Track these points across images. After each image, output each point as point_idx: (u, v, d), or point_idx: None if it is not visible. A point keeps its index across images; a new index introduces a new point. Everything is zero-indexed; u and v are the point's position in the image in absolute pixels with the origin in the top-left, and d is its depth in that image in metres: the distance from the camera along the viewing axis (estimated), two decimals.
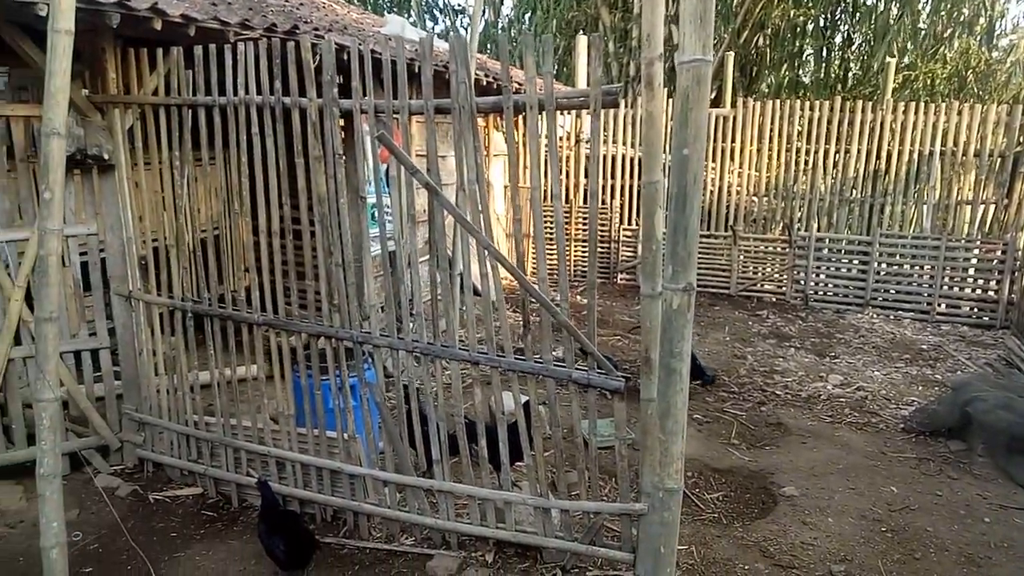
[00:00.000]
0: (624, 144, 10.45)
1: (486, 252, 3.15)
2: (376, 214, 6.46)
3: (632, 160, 10.32)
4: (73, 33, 3.03)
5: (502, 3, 21.20)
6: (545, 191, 9.31)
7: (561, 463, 3.49)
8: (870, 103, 9.26)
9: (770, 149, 9.83)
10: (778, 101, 9.77)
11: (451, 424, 3.77)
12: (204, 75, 3.84)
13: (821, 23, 13.68)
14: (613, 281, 10.47)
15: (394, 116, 3.27)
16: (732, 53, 12.15)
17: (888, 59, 10.42)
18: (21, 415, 4.41)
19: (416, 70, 3.40)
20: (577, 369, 3.22)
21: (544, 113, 2.83)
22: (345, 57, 4.39)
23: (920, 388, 6.61)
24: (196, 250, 4.24)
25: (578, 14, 16.41)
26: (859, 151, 9.31)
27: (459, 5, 25.09)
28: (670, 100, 8.64)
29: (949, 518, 4.28)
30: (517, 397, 3.45)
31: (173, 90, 3.98)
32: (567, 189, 10.48)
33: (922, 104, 9.01)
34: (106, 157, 4.19)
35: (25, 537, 3.95)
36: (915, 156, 9.10)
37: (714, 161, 9.95)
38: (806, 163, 9.70)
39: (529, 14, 19.64)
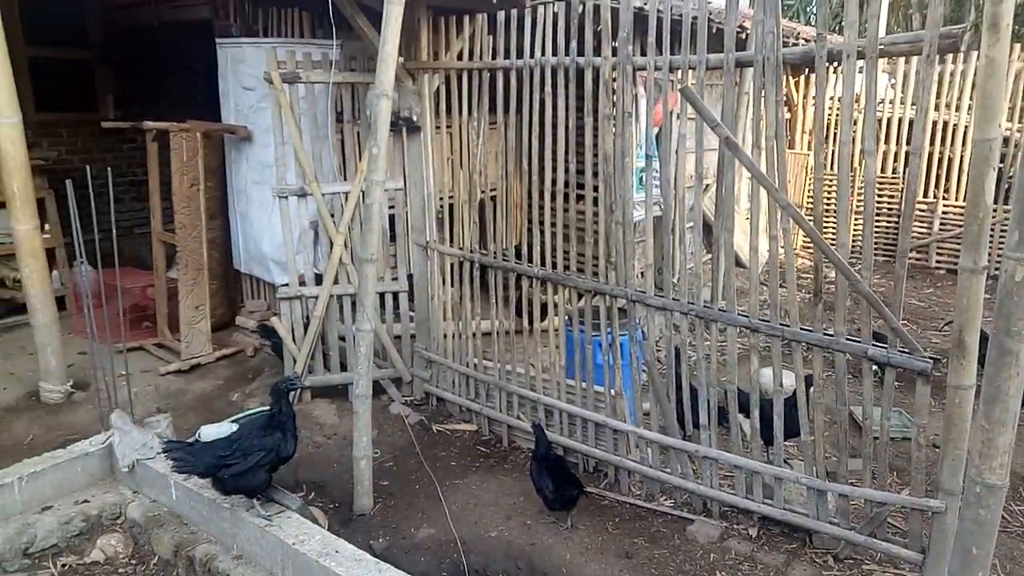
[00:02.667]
0: (913, 106, 9.20)
1: (779, 213, 2.99)
2: (644, 178, 6.46)
3: (936, 124, 9.07)
4: (403, 2, 3.38)
5: None
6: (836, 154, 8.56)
7: (845, 445, 3.25)
8: None
9: None
10: None
11: (722, 392, 3.68)
12: (504, 39, 4.08)
13: None
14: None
15: (690, 71, 3.21)
16: None
17: None
18: (336, 345, 5.14)
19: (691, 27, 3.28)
20: (875, 346, 2.95)
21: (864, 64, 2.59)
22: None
23: None
24: (484, 207, 4.58)
25: None
26: None
27: None
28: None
29: None
30: (799, 370, 3.27)
31: (476, 55, 4.29)
32: (853, 156, 9.53)
33: None
34: (415, 119, 4.65)
35: (338, 447, 4.62)
36: None
37: (1020, 122, 8.39)
38: None
39: None
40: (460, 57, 4.46)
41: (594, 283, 3.95)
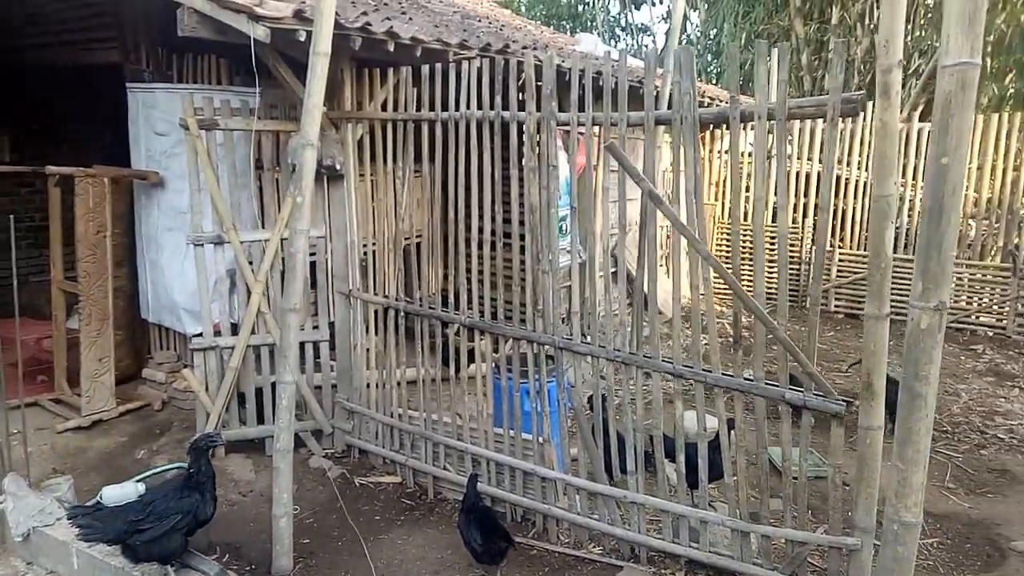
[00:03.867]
0: (812, 160, 9.86)
1: (700, 263, 3.12)
2: (565, 226, 6.61)
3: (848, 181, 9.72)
4: (329, 55, 3.39)
5: (686, 19, 20.91)
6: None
7: (766, 487, 3.36)
8: None
9: (993, 166, 8.88)
10: (1005, 115, 8.82)
11: (647, 437, 3.75)
12: (430, 92, 4.13)
13: None
14: (802, 305, 9.90)
15: (612, 126, 3.34)
16: None
17: None
18: (253, 396, 4.95)
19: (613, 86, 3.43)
20: (792, 389, 3.09)
21: (773, 124, 2.77)
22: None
23: None
24: (408, 255, 4.57)
25: (769, 27, 15.77)
26: None
27: (641, 24, 25.04)
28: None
29: None
30: (721, 414, 3.37)
31: (400, 106, 4.32)
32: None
33: None
34: (338, 168, 4.61)
35: (254, 505, 4.42)
36: None
37: (923, 180, 9.13)
38: None
39: (715, 30, 19.22)
40: (384, 108, 4.48)
41: (522, 330, 3.98)
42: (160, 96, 5.29)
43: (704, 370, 3.32)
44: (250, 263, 4.83)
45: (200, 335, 4.91)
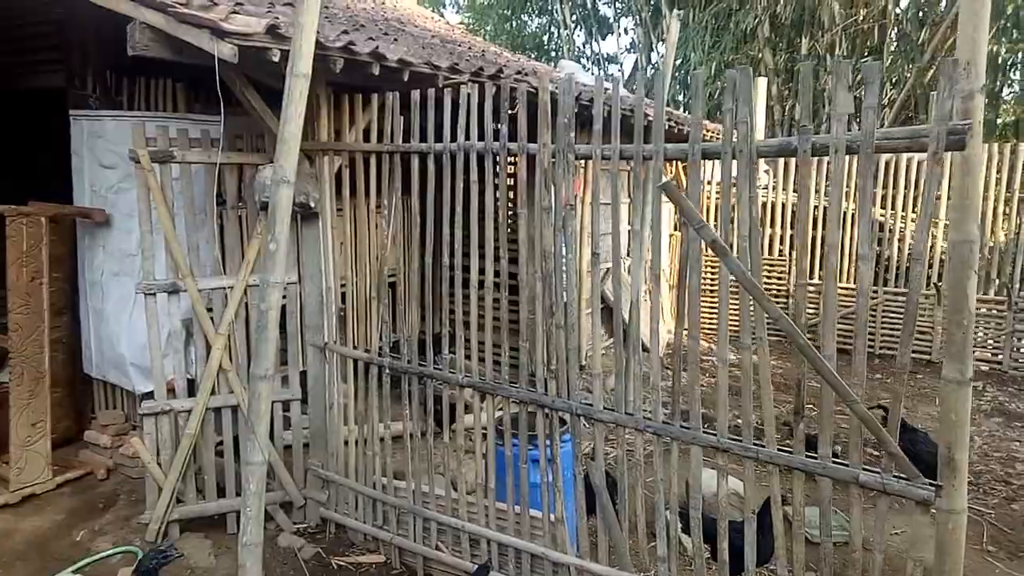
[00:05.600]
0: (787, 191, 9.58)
1: (759, 319, 2.64)
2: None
3: (817, 210, 9.43)
4: (310, 77, 2.87)
5: (652, 49, 20.89)
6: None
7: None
8: None
9: (984, 197, 8.69)
10: (993, 145, 8.66)
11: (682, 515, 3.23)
12: (420, 120, 3.63)
13: None
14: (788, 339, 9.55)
15: (645, 161, 2.86)
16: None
17: None
18: (213, 465, 4.31)
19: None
20: (867, 470, 2.61)
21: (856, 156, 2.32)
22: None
23: None
24: (396, 301, 4.02)
25: (739, 57, 15.72)
26: None
27: (608, 53, 25.04)
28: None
29: None
30: (776, 495, 2.87)
31: (386, 136, 3.80)
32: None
33: None
34: (312, 205, 4.06)
35: None
36: None
37: (913, 211, 8.92)
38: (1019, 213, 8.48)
39: (679, 60, 19.18)
40: (367, 138, 3.95)
41: (531, 393, 3.45)
42: (108, 124, 4.69)
43: (756, 444, 2.83)
44: (209, 311, 4.23)
45: (151, 395, 4.27)
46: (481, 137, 3.41)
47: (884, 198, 9.12)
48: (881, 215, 9.12)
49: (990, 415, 7.09)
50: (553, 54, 23.97)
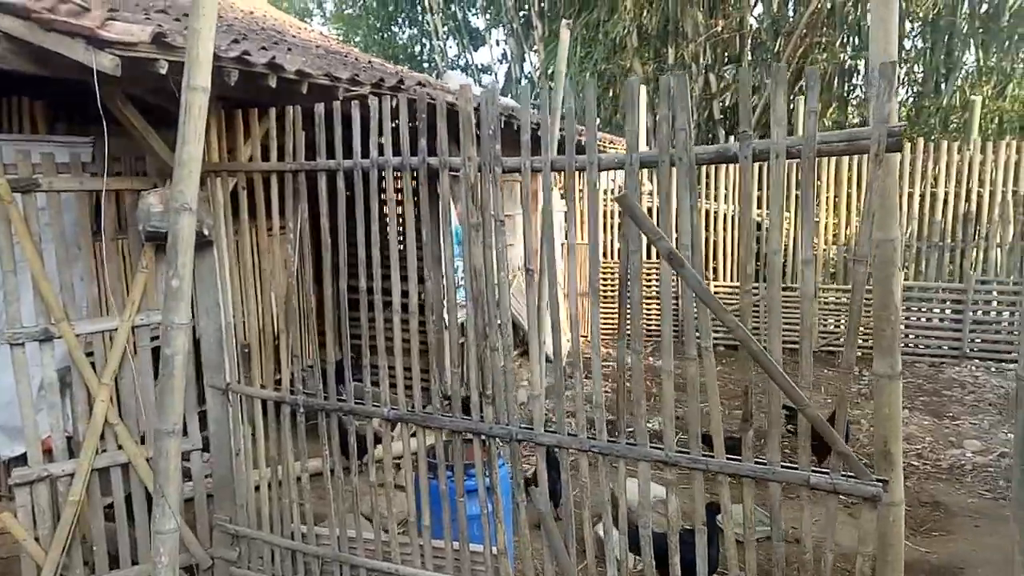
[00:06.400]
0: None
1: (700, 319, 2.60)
2: (458, 278, 5.96)
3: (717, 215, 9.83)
4: (209, 91, 2.57)
5: (524, 59, 21.16)
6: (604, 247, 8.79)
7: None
8: (955, 143, 8.80)
9: (848, 196, 9.35)
10: None
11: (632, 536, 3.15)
12: (326, 135, 3.37)
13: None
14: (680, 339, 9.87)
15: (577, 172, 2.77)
16: None
17: (973, 97, 10.04)
18: (103, 533, 3.81)
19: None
20: (816, 471, 2.62)
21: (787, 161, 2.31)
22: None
23: None
24: (306, 332, 3.71)
25: (611, 66, 16.19)
26: (946, 193, 8.80)
27: (482, 64, 25.13)
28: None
29: None
30: (726, 505, 2.84)
31: (288, 154, 3.51)
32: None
33: (1014, 143, 8.54)
34: (206, 232, 3.68)
35: None
36: (1008, 197, 8.58)
37: (788, 210, 9.45)
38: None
39: (550, 69, 19.52)
40: (267, 156, 3.63)
41: (466, 421, 3.26)
42: None
43: (706, 455, 2.79)
44: (90, 355, 3.74)
45: (23, 460, 3.72)
46: (397, 152, 3.20)
47: (762, 199, 9.62)
48: (758, 215, 9.61)
49: (869, 397, 7.58)
50: (427, 65, 23.81)
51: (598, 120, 2.81)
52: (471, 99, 2.90)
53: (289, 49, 4.16)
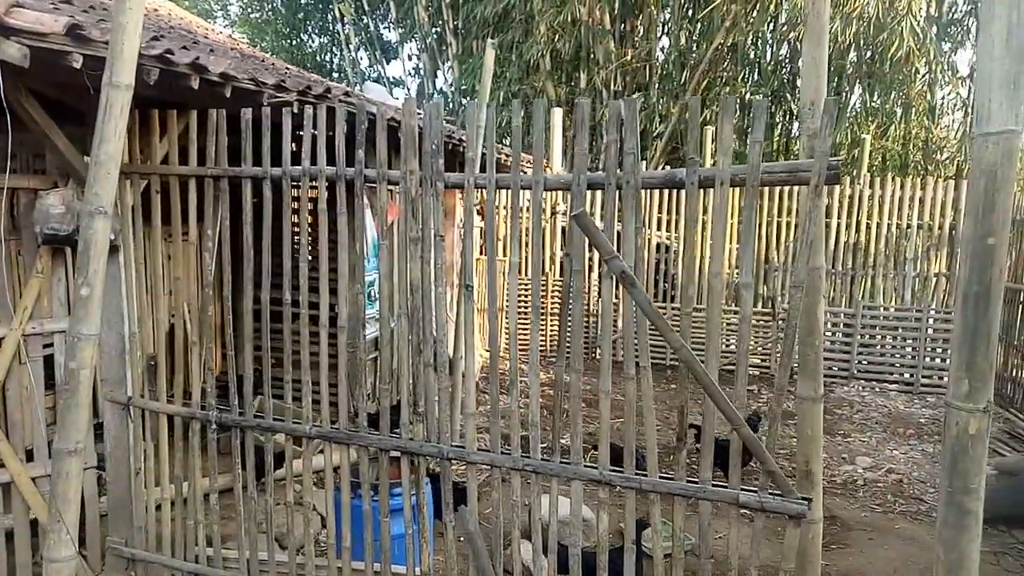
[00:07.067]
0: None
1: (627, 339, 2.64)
2: (373, 292, 5.84)
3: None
4: (133, 88, 2.40)
5: (436, 74, 21.13)
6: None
7: None
8: (846, 177, 9.42)
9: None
10: None
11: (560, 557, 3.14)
12: (253, 142, 3.22)
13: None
14: (593, 356, 10.05)
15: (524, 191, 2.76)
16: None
17: (864, 135, 10.79)
18: None
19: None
20: (745, 490, 2.70)
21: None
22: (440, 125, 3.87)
23: None
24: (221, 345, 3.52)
25: (524, 87, 16.40)
26: (838, 224, 9.40)
27: (394, 77, 24.84)
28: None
29: None
30: (656, 523, 2.89)
31: (209, 158, 3.32)
32: (543, 262, 10.09)
33: (898, 179, 9.25)
34: (112, 237, 3.42)
35: None
36: (893, 229, 9.26)
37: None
38: (782, 236, 9.71)
39: (466, 87, 19.60)
40: (186, 160, 3.43)
41: (394, 439, 3.17)
42: None
43: (639, 474, 2.82)
44: None
45: None
46: (332, 162, 3.09)
47: (666, 222, 9.99)
48: (658, 236, 9.97)
49: (766, 416, 7.94)
50: (336, 75, 23.35)
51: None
52: (415, 113, 2.84)
53: (212, 51, 3.96)
